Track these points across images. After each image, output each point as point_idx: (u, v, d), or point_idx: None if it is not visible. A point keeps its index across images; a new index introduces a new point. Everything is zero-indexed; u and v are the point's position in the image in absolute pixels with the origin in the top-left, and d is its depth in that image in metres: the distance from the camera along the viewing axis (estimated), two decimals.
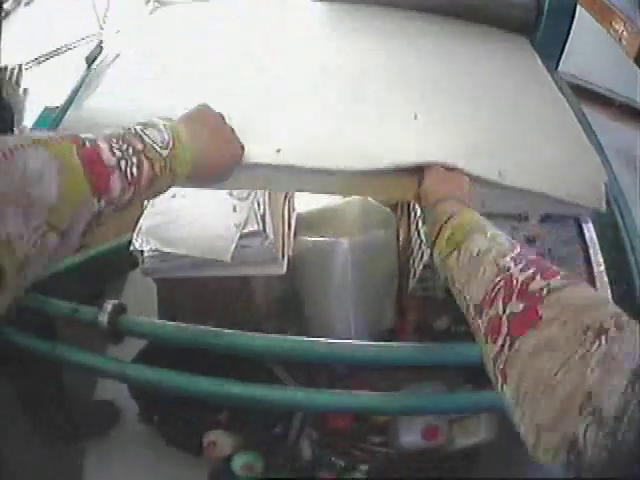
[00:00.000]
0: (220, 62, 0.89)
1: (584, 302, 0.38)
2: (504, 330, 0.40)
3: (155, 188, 0.50)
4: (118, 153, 0.44)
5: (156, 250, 0.90)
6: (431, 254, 0.60)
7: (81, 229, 0.41)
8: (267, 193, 0.93)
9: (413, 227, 1.01)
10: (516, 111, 0.92)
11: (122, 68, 0.90)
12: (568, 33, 1.18)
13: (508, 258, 0.46)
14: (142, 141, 0.48)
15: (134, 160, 0.46)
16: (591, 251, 1.05)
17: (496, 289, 0.44)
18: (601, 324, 0.34)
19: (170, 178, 0.52)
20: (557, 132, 0.90)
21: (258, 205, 0.92)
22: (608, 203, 0.82)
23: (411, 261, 1.02)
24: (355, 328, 0.99)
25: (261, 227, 0.90)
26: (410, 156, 0.71)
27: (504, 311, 0.41)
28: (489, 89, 0.95)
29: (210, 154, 0.58)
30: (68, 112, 0.88)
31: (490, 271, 0.46)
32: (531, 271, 0.43)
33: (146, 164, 0.47)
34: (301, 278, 0.99)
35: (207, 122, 0.59)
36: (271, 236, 0.90)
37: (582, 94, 1.30)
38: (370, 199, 1.01)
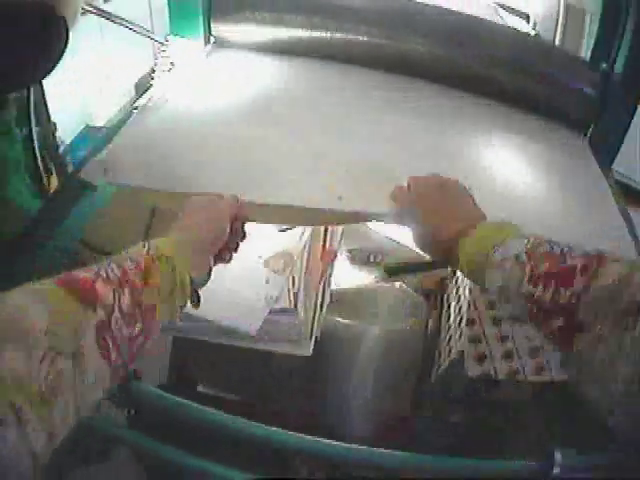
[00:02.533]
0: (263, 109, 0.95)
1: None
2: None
3: (153, 281, 0.48)
4: (94, 267, 0.44)
5: None
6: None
7: (94, 345, 0.39)
8: (304, 269, 0.91)
9: (444, 319, 0.99)
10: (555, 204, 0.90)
11: (171, 111, 0.93)
12: (628, 126, 1.15)
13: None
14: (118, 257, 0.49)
15: (112, 265, 0.45)
16: None
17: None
18: None
19: (165, 266, 0.50)
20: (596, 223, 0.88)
21: (293, 281, 0.90)
22: None
23: (437, 353, 0.99)
24: (372, 413, 0.97)
25: (293, 304, 0.88)
26: None
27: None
28: (529, 183, 0.93)
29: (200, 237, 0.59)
30: (116, 137, 0.87)
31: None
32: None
33: (128, 262, 0.47)
34: (326, 356, 0.96)
35: (197, 214, 0.61)
36: (302, 316, 0.88)
37: (628, 194, 1.27)
38: (405, 285, 0.99)
